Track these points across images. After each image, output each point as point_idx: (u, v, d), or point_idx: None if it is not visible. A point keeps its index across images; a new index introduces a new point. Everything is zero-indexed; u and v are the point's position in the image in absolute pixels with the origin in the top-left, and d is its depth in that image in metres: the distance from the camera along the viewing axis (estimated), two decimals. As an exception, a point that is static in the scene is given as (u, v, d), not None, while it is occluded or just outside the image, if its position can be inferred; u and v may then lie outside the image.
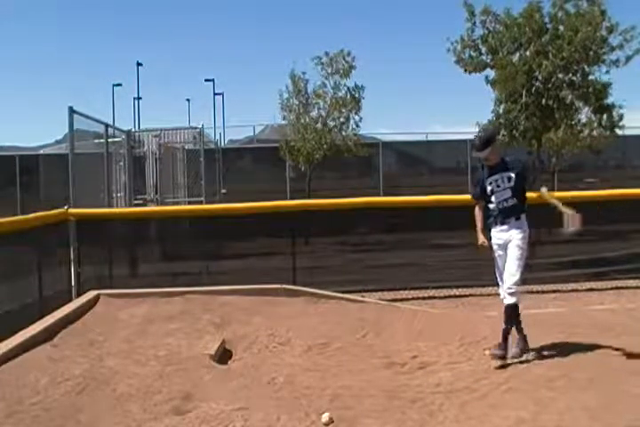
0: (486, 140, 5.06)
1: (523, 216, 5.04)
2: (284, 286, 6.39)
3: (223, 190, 16.14)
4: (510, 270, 4.79)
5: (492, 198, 5.01)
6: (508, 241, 4.91)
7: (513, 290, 4.73)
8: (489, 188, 5.03)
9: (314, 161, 15.47)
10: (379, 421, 3.56)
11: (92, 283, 7.98)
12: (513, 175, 5.00)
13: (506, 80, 11.41)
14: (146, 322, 5.55)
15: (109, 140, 11.01)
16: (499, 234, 4.99)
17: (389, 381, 4.32)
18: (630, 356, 4.46)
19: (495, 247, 4.97)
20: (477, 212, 5.18)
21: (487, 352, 4.70)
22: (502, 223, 4.98)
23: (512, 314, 4.73)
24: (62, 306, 5.87)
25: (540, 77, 11.53)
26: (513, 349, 4.66)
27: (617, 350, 4.62)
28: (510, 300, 4.73)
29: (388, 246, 9.44)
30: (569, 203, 9.75)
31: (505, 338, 4.68)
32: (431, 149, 25.38)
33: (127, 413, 3.59)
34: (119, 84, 39.20)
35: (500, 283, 4.88)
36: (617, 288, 9.01)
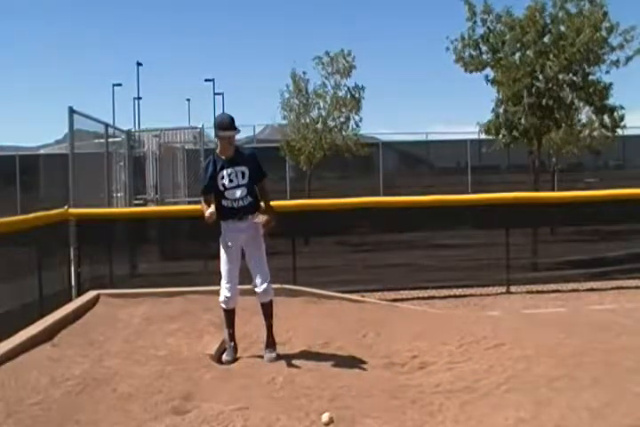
0: (233, 120, 4.72)
1: (257, 212, 4.83)
2: (284, 285, 6.39)
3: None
4: (264, 269, 4.77)
5: (226, 195, 4.72)
6: (248, 238, 4.75)
7: (270, 286, 4.79)
8: (221, 182, 4.72)
9: (314, 161, 15.48)
10: (379, 421, 3.55)
11: (92, 283, 7.98)
12: (247, 171, 4.74)
13: (509, 82, 11.40)
14: (146, 322, 5.55)
15: (109, 139, 11.02)
16: (235, 232, 4.75)
17: (389, 381, 4.32)
18: (631, 355, 4.45)
19: (227, 244, 4.76)
20: (203, 203, 4.86)
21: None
22: (240, 220, 4.73)
23: (270, 312, 4.81)
24: (62, 306, 5.87)
25: (541, 78, 11.53)
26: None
27: (617, 349, 4.62)
28: (271, 297, 4.80)
29: (387, 246, 9.45)
30: (569, 203, 9.75)
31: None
32: (431, 149, 25.39)
33: (127, 413, 3.59)
34: (119, 84, 39.24)
35: (223, 282, 4.77)
36: (617, 288, 9.02)
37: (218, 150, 4.84)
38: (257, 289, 4.80)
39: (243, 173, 4.73)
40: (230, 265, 4.76)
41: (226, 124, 4.69)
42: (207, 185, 4.77)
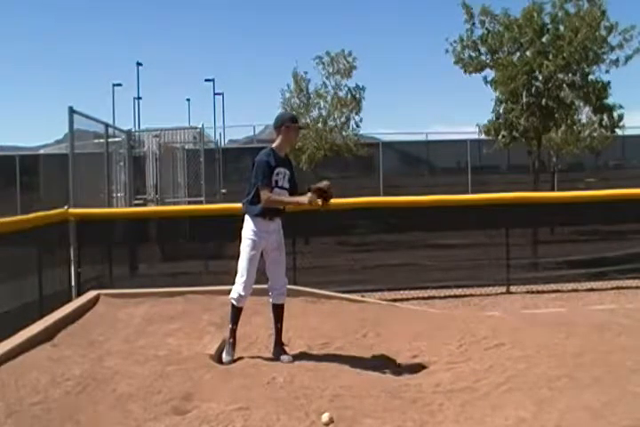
0: None
1: None
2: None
3: (223, 190, 16.14)
4: (283, 272, 4.82)
5: (274, 192, 4.64)
6: (274, 242, 4.73)
7: (286, 289, 4.86)
8: (275, 178, 4.62)
9: (315, 161, 15.48)
10: (379, 421, 3.55)
11: (92, 283, 7.99)
12: (289, 174, 4.74)
13: (506, 80, 11.42)
14: (146, 322, 5.55)
15: (109, 140, 11.01)
16: (262, 232, 4.67)
17: (389, 381, 4.32)
18: (631, 355, 4.45)
19: (252, 243, 4.65)
20: (275, 196, 4.62)
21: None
22: (271, 220, 4.69)
23: (282, 314, 4.84)
24: (62, 306, 5.87)
25: (540, 77, 11.54)
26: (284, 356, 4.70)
27: (617, 349, 4.62)
28: (284, 299, 4.85)
29: (387, 246, 9.45)
30: (569, 203, 9.70)
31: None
32: (431, 149, 25.42)
33: (127, 413, 3.59)
34: (119, 84, 39.30)
35: (241, 280, 4.69)
36: (617, 288, 9.03)
37: (276, 145, 4.74)
38: (273, 290, 4.84)
39: (289, 177, 4.75)
40: (251, 264, 4.69)
41: (297, 118, 4.76)
42: (269, 180, 4.60)
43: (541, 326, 5.41)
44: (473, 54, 11.85)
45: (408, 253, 9.44)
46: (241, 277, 4.71)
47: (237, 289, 4.74)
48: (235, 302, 4.78)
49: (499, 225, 9.26)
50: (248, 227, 4.72)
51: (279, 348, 4.77)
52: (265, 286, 4.91)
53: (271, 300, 4.89)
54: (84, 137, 10.45)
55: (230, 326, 4.82)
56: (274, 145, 4.79)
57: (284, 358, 4.66)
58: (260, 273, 4.85)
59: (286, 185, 4.74)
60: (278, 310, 4.86)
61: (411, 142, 25.94)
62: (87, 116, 9.78)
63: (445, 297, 8.82)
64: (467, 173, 23.81)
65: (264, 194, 4.59)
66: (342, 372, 4.43)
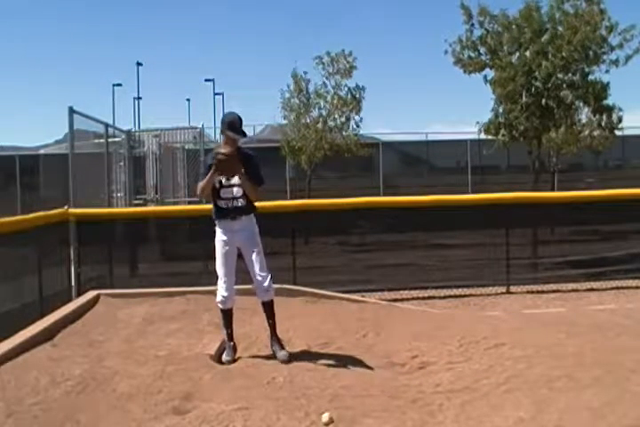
0: (242, 124, 4.74)
1: (252, 213, 4.83)
2: (284, 285, 6.38)
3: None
4: (263, 268, 4.77)
5: (221, 193, 4.72)
6: (243, 239, 4.75)
7: (272, 286, 4.80)
8: (217, 179, 4.69)
9: (315, 161, 15.48)
10: (379, 421, 3.55)
11: (92, 283, 7.99)
12: (243, 171, 4.70)
13: (505, 80, 11.41)
14: (146, 322, 5.55)
15: (109, 140, 11.02)
16: (229, 232, 4.76)
17: (389, 381, 4.31)
18: (631, 355, 4.45)
19: (222, 244, 4.77)
20: (197, 185, 4.79)
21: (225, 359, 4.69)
22: (233, 220, 4.73)
23: (272, 310, 4.82)
24: (62, 306, 5.87)
25: (539, 77, 11.53)
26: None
27: (617, 349, 4.62)
28: (272, 296, 4.81)
29: (388, 246, 9.46)
30: (569, 203, 9.72)
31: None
32: (431, 149, 25.40)
33: (127, 413, 3.59)
34: (119, 84, 39.35)
35: (221, 282, 4.73)
36: (617, 288, 9.03)
37: (221, 145, 4.84)
38: (257, 288, 4.80)
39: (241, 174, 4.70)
40: (226, 265, 4.75)
41: (236, 126, 4.70)
42: (207, 177, 4.72)
43: (541, 326, 5.42)
44: (472, 55, 11.85)
45: (408, 253, 9.44)
46: (220, 280, 4.77)
47: (220, 292, 4.78)
48: (221, 306, 4.80)
49: (499, 225, 9.27)
50: (217, 230, 4.83)
51: (276, 343, 4.76)
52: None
53: (258, 298, 4.87)
54: (84, 137, 10.45)
55: (224, 330, 4.82)
56: (220, 146, 4.87)
57: (280, 353, 4.65)
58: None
59: (237, 182, 4.70)
60: (267, 307, 4.83)
61: (410, 142, 25.93)
62: (87, 116, 9.78)
63: (445, 297, 8.82)
64: (467, 173, 23.81)
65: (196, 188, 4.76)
66: (342, 372, 4.43)
